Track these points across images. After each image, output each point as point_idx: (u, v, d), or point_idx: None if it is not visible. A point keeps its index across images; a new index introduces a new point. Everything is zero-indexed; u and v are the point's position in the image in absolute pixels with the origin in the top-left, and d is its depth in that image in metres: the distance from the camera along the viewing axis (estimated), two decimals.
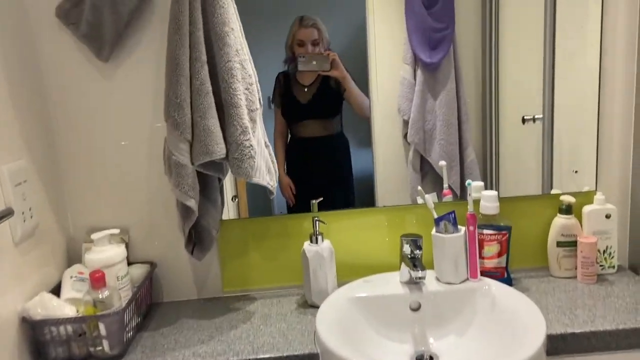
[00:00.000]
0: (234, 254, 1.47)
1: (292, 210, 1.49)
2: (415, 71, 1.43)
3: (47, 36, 1.32)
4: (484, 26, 1.43)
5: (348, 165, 1.49)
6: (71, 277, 1.29)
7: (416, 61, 1.43)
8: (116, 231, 1.32)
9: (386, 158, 1.47)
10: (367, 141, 1.47)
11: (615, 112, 1.44)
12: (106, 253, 1.26)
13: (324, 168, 1.43)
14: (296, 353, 1.16)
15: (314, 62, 1.41)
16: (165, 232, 1.44)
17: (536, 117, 1.48)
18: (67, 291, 1.25)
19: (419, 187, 1.41)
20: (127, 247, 1.39)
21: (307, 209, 1.47)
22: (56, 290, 1.27)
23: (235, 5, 1.25)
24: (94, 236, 1.27)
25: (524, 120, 1.50)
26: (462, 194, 1.49)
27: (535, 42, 1.44)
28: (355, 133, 1.48)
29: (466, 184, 1.35)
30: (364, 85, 1.44)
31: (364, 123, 1.46)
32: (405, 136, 1.47)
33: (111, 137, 1.39)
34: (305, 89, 1.43)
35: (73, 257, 1.42)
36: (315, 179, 1.51)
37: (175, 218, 1.42)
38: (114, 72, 1.35)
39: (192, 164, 1.22)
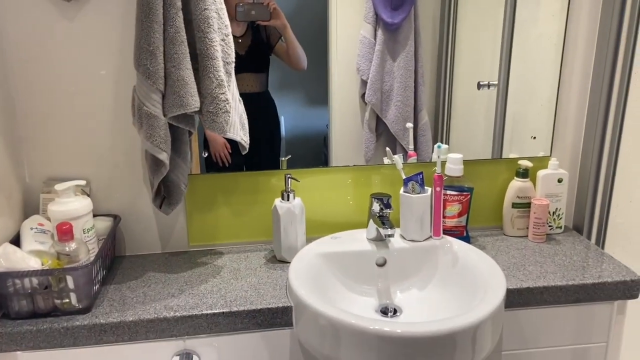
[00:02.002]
0: (201, 208, 1.45)
1: (221, 170, 1.45)
2: (375, 31, 1.44)
3: None
4: None
5: (278, 124, 1.48)
6: (31, 228, 1.24)
7: (377, 20, 1.43)
8: (82, 182, 1.26)
9: (342, 117, 1.49)
10: (322, 98, 1.47)
11: (574, 82, 1.52)
12: (72, 205, 1.21)
13: (257, 126, 1.37)
14: (270, 306, 1.18)
15: (253, 12, 1.37)
16: (127, 184, 1.40)
17: (491, 83, 1.54)
18: (28, 243, 1.20)
19: (387, 148, 1.45)
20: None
21: (238, 169, 1.46)
22: (14, 242, 1.21)
23: None
24: (59, 187, 1.21)
25: (479, 86, 1.55)
26: (416, 151, 1.53)
27: (495, 9, 1.48)
28: (309, 89, 1.48)
29: (436, 146, 1.39)
30: (323, 42, 1.42)
31: (320, 79, 1.45)
32: (362, 96, 1.48)
33: (71, 83, 1.31)
34: (240, 40, 1.39)
35: (30, 208, 1.35)
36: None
37: (138, 170, 1.39)
38: (77, 12, 1.26)
39: (165, 115, 1.19)
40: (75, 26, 1.27)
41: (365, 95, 1.47)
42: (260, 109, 1.43)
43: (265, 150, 1.47)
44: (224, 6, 1.21)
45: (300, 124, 1.50)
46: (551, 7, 1.48)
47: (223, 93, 1.19)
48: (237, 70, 1.28)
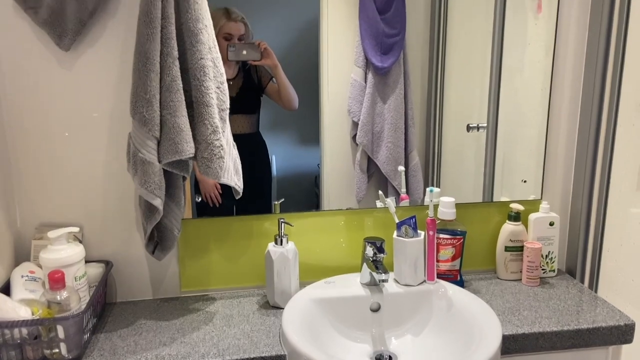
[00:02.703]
0: (194, 253, 1.44)
1: (211, 210, 1.45)
2: (366, 74, 1.47)
3: (1, 21, 1.23)
4: (433, 35, 1.49)
5: (269, 165, 1.49)
6: (22, 276, 1.22)
7: (367, 64, 1.46)
8: (75, 229, 1.26)
9: (334, 157, 1.50)
10: (313, 138, 1.49)
11: (562, 126, 1.55)
12: (64, 252, 1.20)
13: (248, 167, 1.37)
14: (263, 355, 1.16)
15: (245, 52, 1.39)
16: (120, 230, 1.39)
17: (480, 125, 1.56)
18: (19, 291, 1.18)
19: (380, 192, 1.45)
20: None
21: (228, 212, 1.45)
22: (4, 290, 1.20)
23: (207, 1, 1.23)
24: (51, 234, 1.20)
25: (468, 128, 1.58)
26: (408, 193, 1.54)
27: (483, 53, 1.51)
28: (300, 128, 1.49)
29: (428, 190, 1.41)
30: (315, 83, 1.45)
31: (311, 119, 1.47)
32: (353, 137, 1.50)
33: (66, 129, 1.32)
34: (231, 82, 1.41)
35: (20, 254, 1.34)
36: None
37: (131, 215, 1.39)
38: (75, 61, 1.28)
39: (159, 162, 1.19)
40: (73, 75, 1.29)
41: (357, 136, 1.49)
42: (251, 150, 1.44)
43: (257, 191, 1.47)
44: (219, 55, 1.24)
45: (292, 163, 1.51)
46: (537, 54, 1.52)
47: (218, 139, 1.21)
48: (229, 112, 1.29)
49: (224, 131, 1.24)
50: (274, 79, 1.42)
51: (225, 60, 1.38)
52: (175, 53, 1.17)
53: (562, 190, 1.58)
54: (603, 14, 1.41)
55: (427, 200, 1.45)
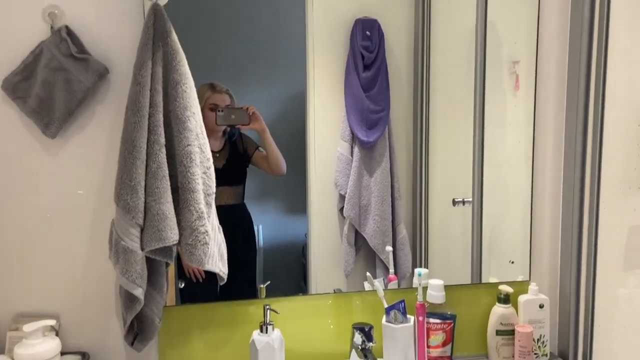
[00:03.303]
0: (175, 343, 1.38)
1: (195, 295, 1.41)
2: (352, 148, 1.48)
3: None
4: (416, 111, 1.52)
5: (253, 237, 1.47)
6: None
7: (354, 138, 1.48)
8: (52, 322, 1.20)
9: (321, 229, 1.49)
10: (300, 208, 1.48)
11: (546, 207, 1.55)
12: (39, 347, 1.15)
13: (232, 239, 1.36)
14: None
15: (233, 116, 1.40)
16: (98, 319, 1.34)
17: (466, 200, 1.57)
18: None
19: (368, 273, 1.43)
20: (57, 335, 1.27)
21: (212, 294, 1.41)
22: None
23: (195, 89, 1.24)
24: (27, 328, 1.15)
25: (454, 202, 1.58)
26: (396, 270, 1.52)
27: (465, 128, 1.54)
28: (287, 198, 1.48)
29: (416, 273, 1.39)
30: (301, 154, 1.46)
31: (298, 188, 1.47)
32: (341, 210, 1.49)
33: (46, 215, 1.29)
34: (217, 155, 1.41)
35: None
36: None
37: (110, 303, 1.34)
38: (60, 148, 1.28)
39: (142, 249, 1.17)
40: (58, 161, 1.28)
41: (344, 209, 1.48)
42: (235, 222, 1.42)
43: (241, 267, 1.44)
44: (206, 140, 1.25)
45: (279, 232, 1.49)
46: (517, 134, 1.54)
47: (203, 225, 1.19)
48: (215, 184, 1.29)
49: (209, 216, 1.23)
50: (260, 147, 1.43)
51: (214, 128, 1.38)
52: (162, 140, 1.18)
53: (549, 271, 1.57)
54: (579, 93, 1.44)
55: (415, 282, 1.43)
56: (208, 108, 1.39)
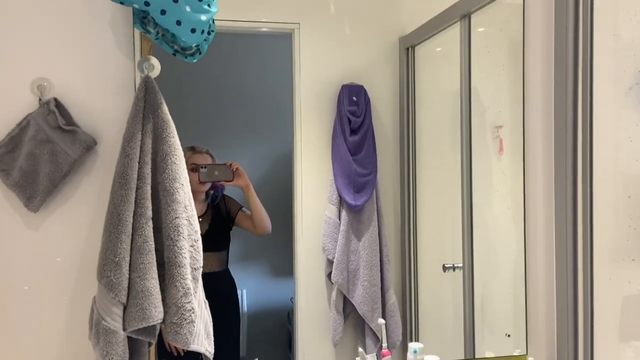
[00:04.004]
0: None
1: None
2: (340, 212, 1.47)
3: None
4: (403, 174, 1.52)
5: (237, 304, 1.42)
6: None
7: (341, 202, 1.46)
8: None
9: (308, 294, 1.45)
10: (286, 271, 1.44)
11: (540, 280, 1.52)
12: None
13: (215, 307, 1.30)
14: None
15: (216, 173, 1.39)
16: None
17: (456, 265, 1.54)
18: None
19: (360, 349, 1.38)
20: None
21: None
22: None
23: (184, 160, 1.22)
24: None
25: (444, 268, 1.56)
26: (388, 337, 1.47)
27: (453, 192, 1.54)
28: (274, 260, 1.45)
29: (412, 350, 1.34)
30: (288, 217, 1.44)
31: (284, 250, 1.44)
32: (328, 275, 1.46)
33: (23, 289, 1.24)
34: (200, 219, 1.38)
35: None
36: None
37: None
38: (42, 222, 1.24)
39: (124, 329, 1.11)
40: (39, 236, 1.24)
41: (332, 274, 1.45)
42: (219, 289, 1.38)
43: (224, 337, 1.36)
44: (194, 212, 1.22)
45: (264, 297, 1.45)
46: (505, 201, 1.54)
47: (189, 302, 1.15)
48: None
49: (195, 292, 1.18)
50: (243, 207, 1.40)
51: (196, 189, 1.36)
52: (149, 213, 1.15)
53: (546, 345, 1.52)
54: (567, 166, 1.45)
55: (410, 358, 1.38)
56: (190, 169, 1.36)
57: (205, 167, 1.38)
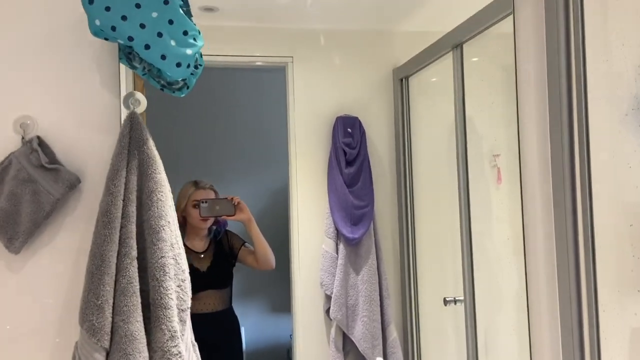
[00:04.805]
0: None
1: None
2: (337, 245, 1.44)
3: None
4: (400, 205, 1.49)
5: (241, 347, 1.38)
6: None
7: (338, 235, 1.43)
8: None
9: (307, 331, 1.41)
10: (284, 307, 1.41)
11: (543, 314, 1.45)
12: None
13: (218, 353, 1.29)
14: None
15: (218, 207, 1.36)
16: None
17: (457, 298, 1.50)
18: None
19: None
20: None
21: None
22: None
23: (172, 196, 1.20)
24: None
25: (445, 302, 1.51)
26: None
27: (452, 223, 1.50)
28: (272, 296, 1.41)
29: None
30: (285, 252, 1.42)
31: (282, 286, 1.40)
32: (327, 311, 1.42)
33: (9, 339, 1.19)
34: (202, 256, 1.35)
35: None
36: None
37: None
38: (24, 264, 1.20)
39: None
40: (21, 278, 1.20)
41: (330, 310, 1.41)
42: (223, 331, 1.35)
43: None
44: (182, 250, 1.18)
45: (263, 334, 1.40)
46: (505, 231, 1.50)
47: (175, 346, 1.10)
48: (199, 289, 1.20)
49: (183, 334, 1.14)
50: (246, 243, 1.38)
51: (198, 226, 1.34)
52: (134, 253, 1.12)
53: None
54: (565, 191, 1.41)
55: None
56: (192, 205, 1.35)
57: (206, 202, 1.35)
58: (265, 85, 1.56)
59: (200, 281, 1.21)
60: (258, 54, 1.46)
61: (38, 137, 1.18)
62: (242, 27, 1.43)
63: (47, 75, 1.22)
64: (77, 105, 1.23)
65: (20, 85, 1.21)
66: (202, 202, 1.36)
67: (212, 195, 1.38)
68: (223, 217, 1.38)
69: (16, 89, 1.21)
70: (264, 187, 1.47)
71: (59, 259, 1.22)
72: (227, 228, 1.42)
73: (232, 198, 1.38)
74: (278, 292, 1.43)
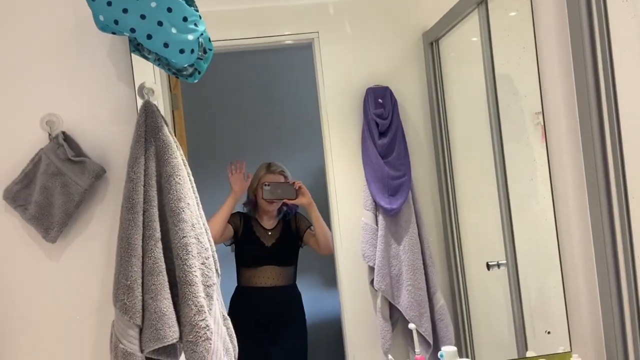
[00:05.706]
0: None
1: None
2: (376, 217, 1.42)
3: None
4: (439, 172, 1.46)
5: (304, 323, 1.39)
6: None
7: (377, 207, 1.42)
8: None
9: (354, 304, 1.41)
10: (333, 282, 1.42)
11: (579, 272, 1.43)
12: None
13: (278, 327, 1.33)
14: None
15: (280, 191, 1.40)
16: None
17: (500, 262, 1.47)
18: None
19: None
20: None
21: None
22: None
23: (192, 179, 1.24)
24: None
25: (488, 266, 1.49)
26: (438, 343, 1.42)
27: (489, 187, 1.47)
28: (320, 273, 1.45)
29: (439, 355, 1.29)
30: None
31: (329, 264, 1.41)
32: (371, 282, 1.41)
33: (53, 323, 1.28)
34: (269, 232, 1.38)
35: None
36: (265, 338, 1.40)
37: None
38: (62, 252, 1.28)
39: (142, 351, 1.13)
40: (60, 266, 1.28)
41: (374, 281, 1.40)
42: (282, 305, 1.40)
43: (290, 349, 1.39)
44: (204, 230, 1.22)
45: (318, 308, 1.45)
46: (541, 188, 1.45)
47: (203, 319, 1.14)
48: (261, 263, 1.32)
49: (210, 309, 1.18)
50: (312, 226, 1.40)
51: (267, 207, 1.40)
52: (158, 235, 1.16)
53: (592, 339, 1.41)
54: (595, 140, 1.35)
55: None
56: (260, 187, 1.38)
57: (269, 185, 1.40)
58: (295, 65, 1.55)
59: (263, 255, 1.30)
60: (286, 33, 1.44)
61: (63, 133, 1.25)
62: (266, 7, 1.41)
63: (66, 74, 1.28)
64: (96, 99, 1.28)
65: (43, 85, 1.28)
66: (265, 185, 1.40)
67: (280, 179, 1.42)
68: (285, 200, 1.39)
69: (40, 89, 1.28)
70: (302, 165, 1.47)
71: (93, 244, 1.30)
72: (298, 211, 1.45)
73: (294, 182, 1.41)
74: (328, 267, 1.44)
